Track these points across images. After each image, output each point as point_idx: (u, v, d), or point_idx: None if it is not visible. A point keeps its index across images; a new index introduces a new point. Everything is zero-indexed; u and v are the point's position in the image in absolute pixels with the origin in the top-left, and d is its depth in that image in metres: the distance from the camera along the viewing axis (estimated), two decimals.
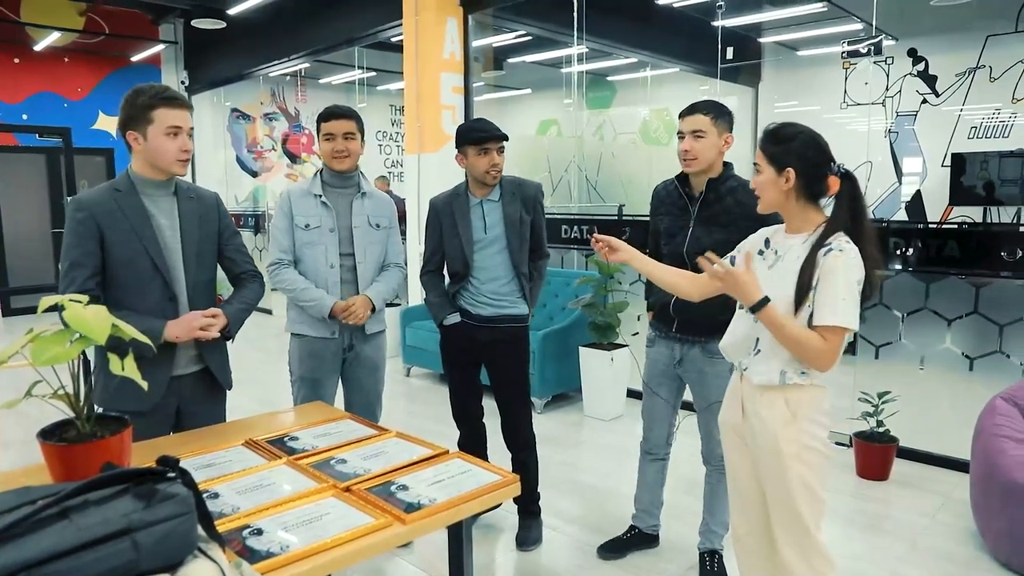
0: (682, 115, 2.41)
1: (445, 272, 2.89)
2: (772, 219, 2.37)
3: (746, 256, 1.82)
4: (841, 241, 1.72)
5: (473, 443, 2.93)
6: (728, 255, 2.02)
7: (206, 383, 2.19)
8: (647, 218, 2.74)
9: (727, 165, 2.45)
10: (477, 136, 2.63)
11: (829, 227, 1.76)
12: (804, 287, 1.72)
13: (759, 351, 1.83)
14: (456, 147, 2.72)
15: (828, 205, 1.83)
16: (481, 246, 2.72)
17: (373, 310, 2.63)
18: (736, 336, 1.91)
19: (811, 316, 1.72)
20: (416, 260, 5.88)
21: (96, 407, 2.01)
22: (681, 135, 2.39)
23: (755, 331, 1.84)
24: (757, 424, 1.85)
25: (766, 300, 1.72)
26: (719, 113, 2.37)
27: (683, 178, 2.51)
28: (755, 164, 1.84)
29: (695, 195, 2.46)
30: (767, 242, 1.92)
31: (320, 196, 2.60)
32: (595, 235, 2.11)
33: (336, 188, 2.64)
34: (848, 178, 1.79)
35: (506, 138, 2.68)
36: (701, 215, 2.43)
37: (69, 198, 2.16)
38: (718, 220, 2.39)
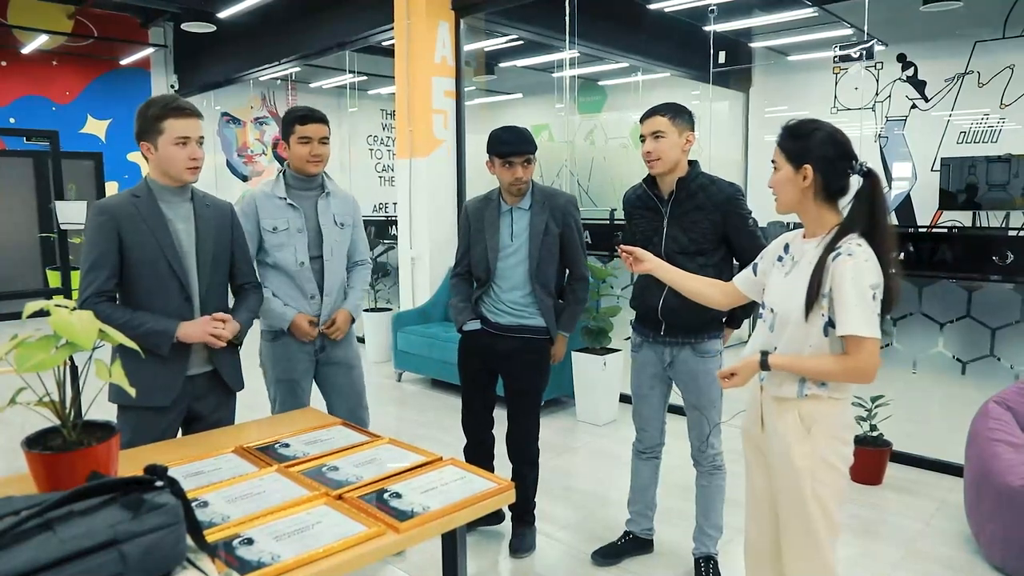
0: (642, 119, 2.45)
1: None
2: (737, 208, 2.41)
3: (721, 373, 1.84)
4: (851, 244, 1.65)
5: (480, 454, 2.89)
6: (751, 263, 1.99)
7: (217, 384, 2.26)
8: None
9: (693, 163, 2.48)
10: (500, 150, 2.60)
11: (842, 229, 1.69)
12: (812, 293, 1.66)
13: None
14: (487, 152, 2.68)
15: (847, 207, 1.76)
16: (505, 254, 2.69)
17: (352, 321, 2.71)
18: (755, 343, 1.84)
19: (828, 325, 1.68)
20: (407, 264, 5.86)
21: (112, 403, 2.08)
22: (643, 138, 2.43)
23: (772, 341, 1.78)
24: (775, 437, 1.80)
25: (765, 355, 1.73)
26: (677, 113, 2.40)
27: (651, 181, 2.53)
28: (773, 162, 1.78)
29: (665, 196, 2.48)
30: (786, 248, 1.86)
31: (285, 198, 2.59)
32: (622, 247, 2.11)
33: (300, 190, 2.63)
34: (869, 177, 1.70)
35: (532, 150, 2.61)
36: (674, 215, 2.46)
37: (95, 203, 2.23)
38: (691, 217, 2.43)
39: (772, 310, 1.80)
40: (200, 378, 2.20)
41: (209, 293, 2.19)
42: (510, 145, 2.59)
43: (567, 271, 2.81)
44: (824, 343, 1.69)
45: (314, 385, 2.76)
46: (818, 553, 1.76)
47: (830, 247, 1.67)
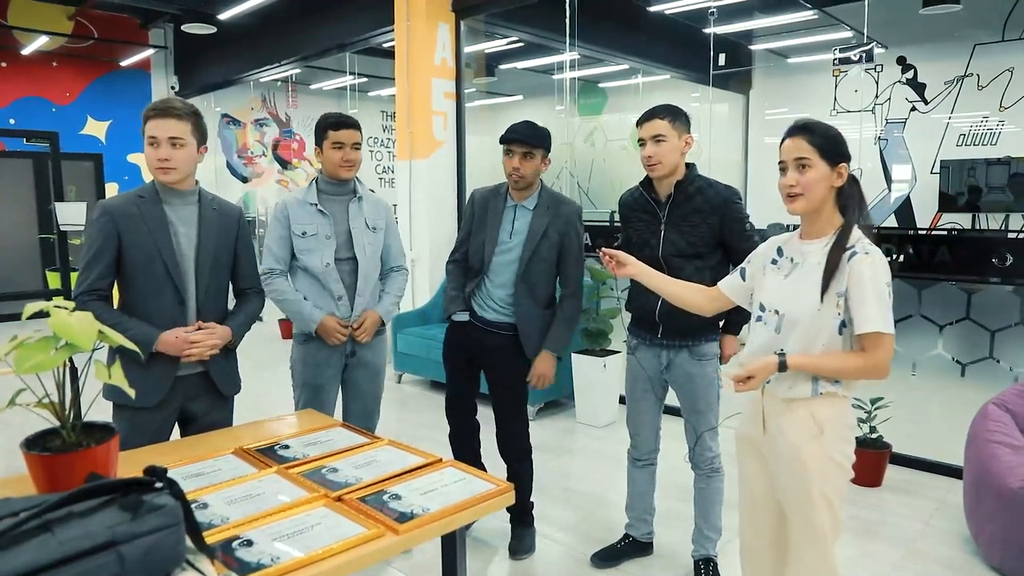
0: (640, 122, 2.43)
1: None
2: (734, 211, 2.41)
3: (730, 376, 1.76)
4: (864, 243, 1.67)
5: (462, 442, 2.89)
6: (738, 267, 1.98)
7: (211, 386, 2.24)
8: None
9: (690, 166, 2.47)
10: (504, 136, 2.61)
11: (846, 228, 1.70)
12: (825, 286, 1.66)
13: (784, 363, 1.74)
14: None
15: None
16: (502, 249, 2.68)
17: (381, 324, 2.70)
18: (756, 349, 1.81)
19: (843, 325, 1.68)
20: (409, 265, 5.85)
21: (105, 399, 2.07)
22: (642, 142, 2.42)
23: (778, 342, 1.76)
24: (780, 439, 1.77)
25: (783, 355, 1.68)
26: (676, 116, 2.40)
27: (647, 184, 2.53)
28: (801, 159, 1.70)
29: (662, 199, 2.48)
30: (779, 251, 1.85)
31: (316, 204, 2.61)
32: (603, 250, 2.04)
33: (332, 195, 2.65)
34: (856, 179, 1.75)
35: (533, 144, 2.59)
36: (671, 218, 2.45)
37: (98, 202, 2.27)
38: (689, 221, 2.43)
39: (776, 312, 1.78)
40: (192, 378, 2.19)
41: (207, 297, 2.19)
42: (512, 132, 2.60)
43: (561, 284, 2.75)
44: (837, 342, 1.69)
45: None
46: (823, 553, 1.77)
47: (840, 246, 1.67)
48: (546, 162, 2.67)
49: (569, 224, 2.67)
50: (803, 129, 1.72)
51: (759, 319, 1.83)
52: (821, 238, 1.75)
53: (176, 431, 2.26)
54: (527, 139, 2.59)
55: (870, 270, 1.63)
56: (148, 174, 2.18)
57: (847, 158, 1.72)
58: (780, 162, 1.76)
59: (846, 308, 1.67)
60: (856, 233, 1.70)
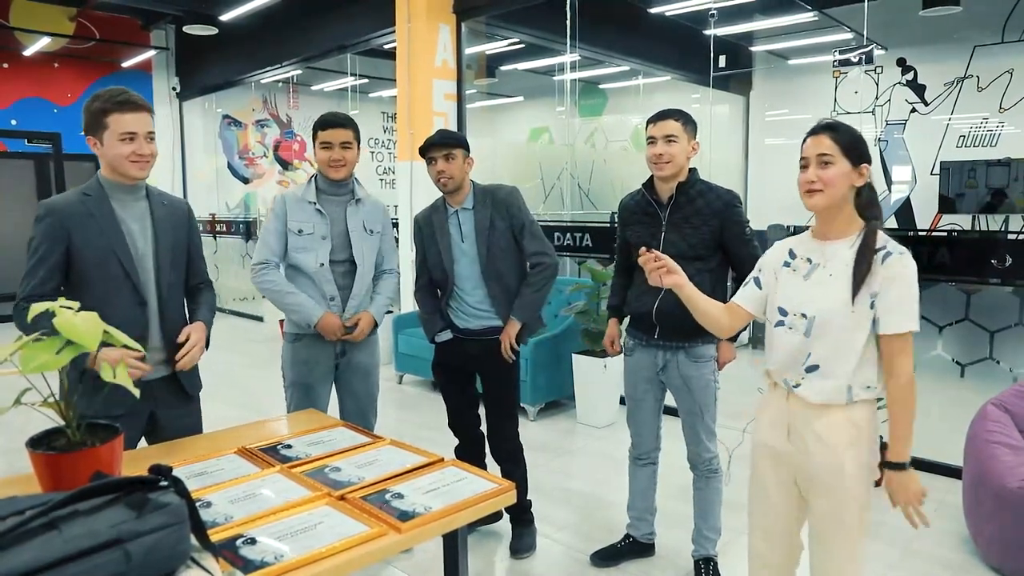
0: (653, 120, 2.45)
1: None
2: (735, 215, 2.41)
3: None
4: (895, 244, 1.67)
5: (471, 452, 2.91)
6: (750, 278, 1.89)
7: (177, 389, 2.16)
8: None
9: (692, 170, 2.50)
10: (420, 148, 2.68)
11: (874, 227, 1.68)
12: (857, 286, 1.64)
13: (816, 367, 1.70)
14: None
15: None
16: (459, 256, 2.71)
17: (375, 326, 2.67)
18: (784, 356, 1.75)
19: (875, 324, 1.65)
20: (408, 267, 5.86)
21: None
22: (653, 140, 2.43)
23: (807, 347, 1.71)
24: (814, 445, 1.73)
25: (892, 466, 1.69)
26: (687, 120, 2.45)
27: (649, 186, 2.55)
28: (823, 156, 1.68)
29: (663, 201, 2.49)
30: (791, 253, 1.81)
31: (315, 203, 2.60)
32: (652, 251, 1.84)
33: (331, 195, 2.64)
34: (871, 185, 1.75)
35: (450, 145, 2.64)
36: (672, 219, 2.47)
37: (41, 202, 2.19)
38: (690, 222, 2.44)
39: (803, 315, 1.72)
40: (158, 382, 2.09)
41: (170, 294, 2.11)
42: (426, 141, 2.68)
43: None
44: (872, 343, 1.68)
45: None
46: (854, 559, 1.77)
47: (871, 246, 1.66)
48: (468, 161, 2.71)
49: (510, 206, 2.70)
50: (827, 128, 1.72)
51: (781, 324, 1.76)
52: (846, 238, 1.71)
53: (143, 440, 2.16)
54: (443, 141, 2.65)
55: (908, 270, 1.63)
56: (109, 171, 2.05)
57: (868, 160, 1.71)
58: (802, 159, 1.73)
59: (877, 307, 1.65)
60: (883, 235, 1.68)
